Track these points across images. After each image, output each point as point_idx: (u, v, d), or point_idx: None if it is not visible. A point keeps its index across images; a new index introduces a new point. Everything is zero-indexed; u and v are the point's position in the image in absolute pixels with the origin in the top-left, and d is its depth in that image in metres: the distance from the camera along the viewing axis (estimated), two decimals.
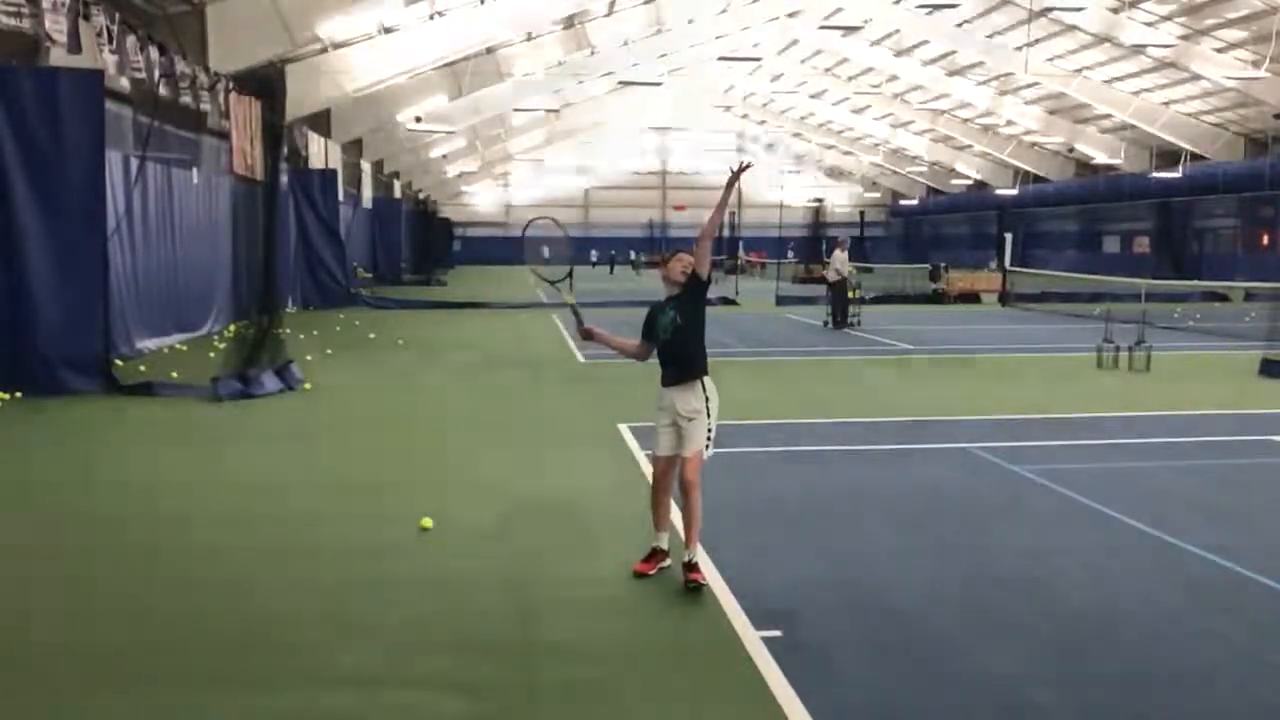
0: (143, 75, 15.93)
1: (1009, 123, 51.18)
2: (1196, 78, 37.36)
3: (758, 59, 45.28)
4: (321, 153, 29.95)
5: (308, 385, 12.97)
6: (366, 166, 39.27)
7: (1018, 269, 34.90)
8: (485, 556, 6.35)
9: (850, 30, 40.59)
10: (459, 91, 33.96)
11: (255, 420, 10.95)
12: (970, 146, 58.29)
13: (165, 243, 17.55)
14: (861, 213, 70.82)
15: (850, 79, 52.28)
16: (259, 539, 6.73)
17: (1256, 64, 32.19)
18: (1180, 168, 42.45)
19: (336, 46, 26.13)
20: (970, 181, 65.00)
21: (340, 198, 29.84)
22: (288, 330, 15.94)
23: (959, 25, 39.28)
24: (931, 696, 4.49)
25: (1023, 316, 27.21)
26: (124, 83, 15.96)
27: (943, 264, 37.69)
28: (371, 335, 20.16)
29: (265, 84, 15.83)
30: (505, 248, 68.45)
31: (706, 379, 5.91)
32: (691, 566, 5.71)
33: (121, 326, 14.89)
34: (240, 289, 16.04)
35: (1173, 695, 4.55)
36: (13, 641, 5.06)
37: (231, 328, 18.22)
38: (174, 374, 13.54)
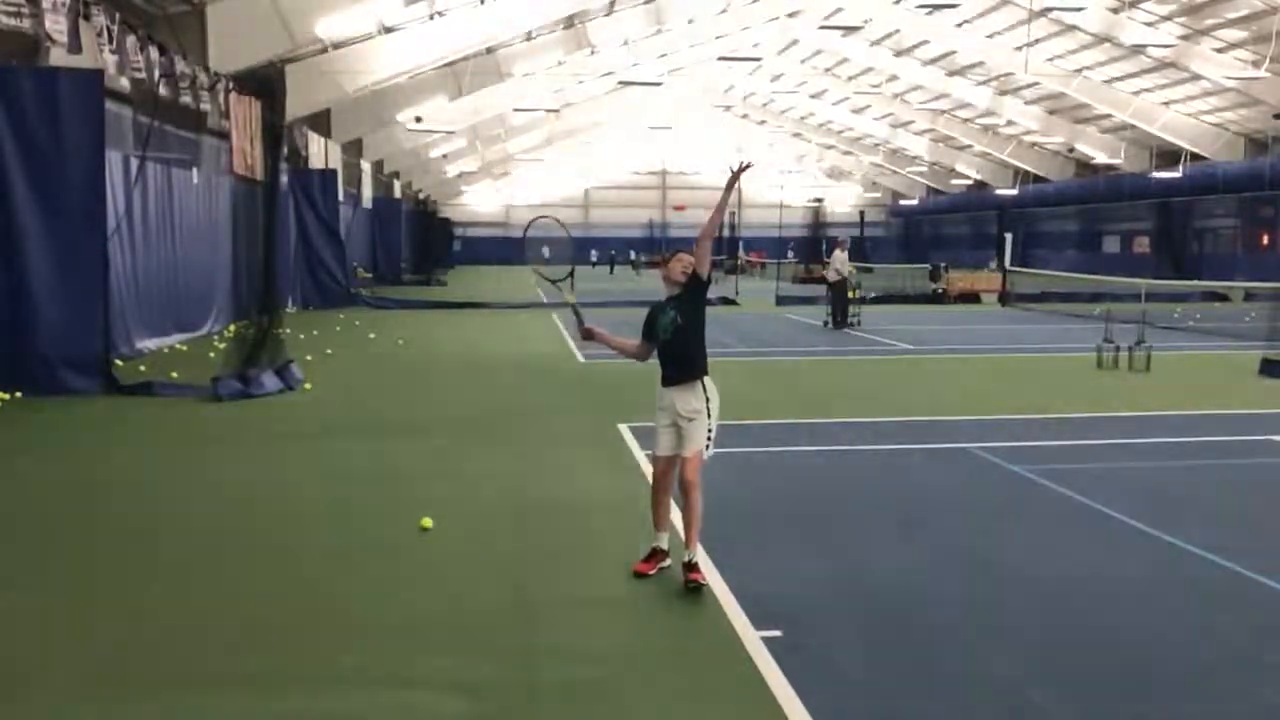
0: (143, 75, 15.92)
1: (1009, 123, 51.19)
2: (1196, 78, 37.36)
3: (758, 59, 45.27)
4: (321, 153, 29.95)
5: (308, 385, 12.97)
6: (366, 166, 39.28)
7: (1018, 269, 34.92)
8: (485, 556, 6.35)
9: (850, 30, 40.60)
10: (459, 91, 33.95)
11: (255, 420, 10.94)
12: (970, 146, 58.30)
13: (165, 243, 17.56)
14: (861, 213, 70.82)
15: (850, 79, 52.28)
16: (259, 539, 6.73)
17: (1256, 64, 32.19)
18: (1180, 168, 42.46)
19: (336, 46, 26.14)
20: (970, 181, 65.02)
21: (340, 198, 29.85)
22: (288, 330, 15.94)
23: (959, 25, 39.29)
24: (931, 697, 4.49)
25: (1023, 316, 27.21)
26: (124, 83, 15.96)
27: (943, 264, 37.71)
28: (371, 335, 20.16)
29: (265, 84, 15.80)
30: (505, 248, 68.52)
31: (707, 379, 5.91)
32: (691, 566, 5.71)
33: (121, 326, 14.89)
34: (240, 289, 16.02)
35: (1173, 695, 4.55)
36: (10, 643, 5.06)
37: (231, 328, 18.21)
38: (174, 374, 13.54)
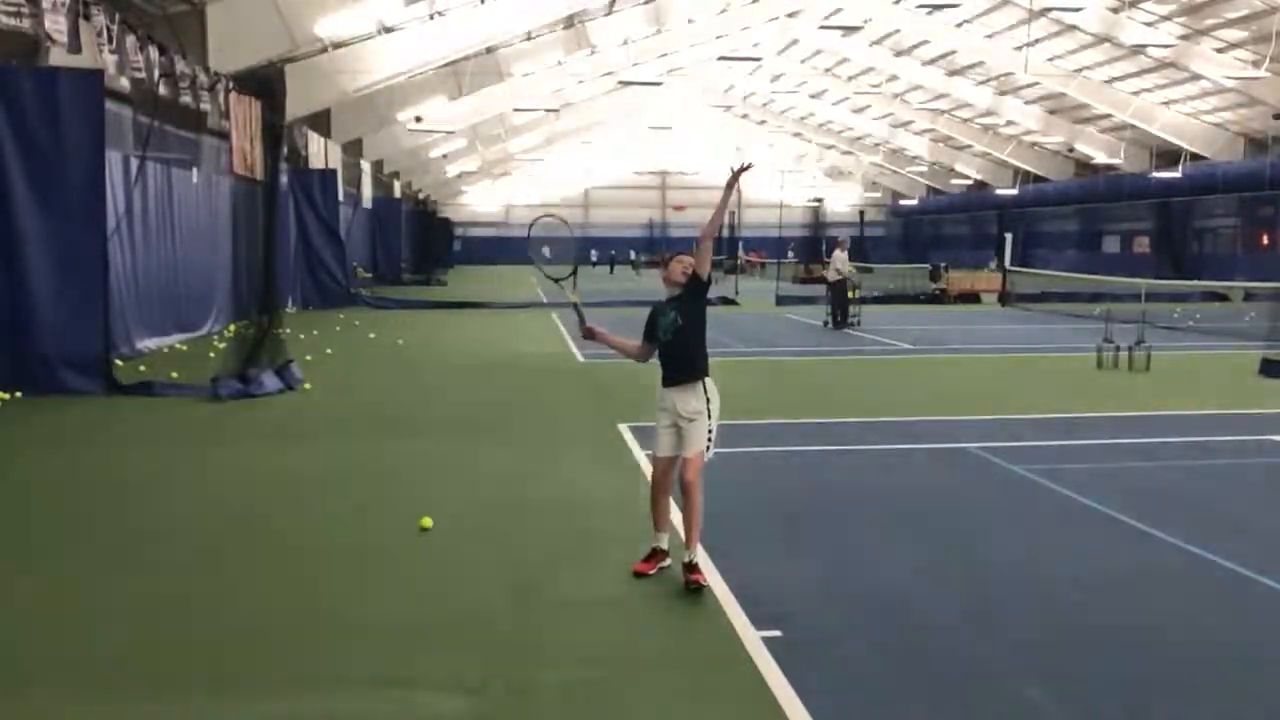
0: (143, 75, 15.92)
1: (1009, 123, 51.16)
2: (1196, 78, 37.34)
3: (758, 59, 45.23)
4: (321, 153, 29.94)
5: (307, 385, 12.97)
6: (366, 166, 39.26)
7: (1018, 269, 34.92)
8: (485, 556, 6.35)
9: (850, 30, 40.56)
10: (459, 91, 33.93)
11: (255, 420, 10.95)
12: (970, 146, 58.26)
13: (165, 243, 17.56)
14: (861, 213, 70.76)
15: (850, 79, 52.24)
16: (258, 539, 6.73)
17: (1256, 64, 32.17)
18: (1180, 168, 42.44)
19: (336, 46, 26.11)
20: (970, 181, 64.99)
21: (340, 198, 29.84)
22: (288, 330, 15.94)
23: (959, 25, 39.28)
24: (931, 696, 4.50)
25: (1023, 316, 27.21)
26: (124, 83, 15.95)
27: (943, 264, 37.71)
28: (371, 335, 20.16)
29: (265, 84, 15.82)
30: (505, 248, 68.50)
31: (708, 380, 5.91)
32: (692, 567, 5.71)
33: (121, 326, 14.89)
34: (240, 289, 16.03)
35: (1172, 695, 4.55)
36: (11, 643, 5.06)
37: (231, 328, 18.21)
38: (174, 374, 13.54)
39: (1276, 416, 11.34)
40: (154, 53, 16.22)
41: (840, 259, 23.24)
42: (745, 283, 39.43)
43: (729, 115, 67.40)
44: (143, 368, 14.30)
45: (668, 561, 5.95)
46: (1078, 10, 31.86)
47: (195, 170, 19.61)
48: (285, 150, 20.06)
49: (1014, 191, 56.54)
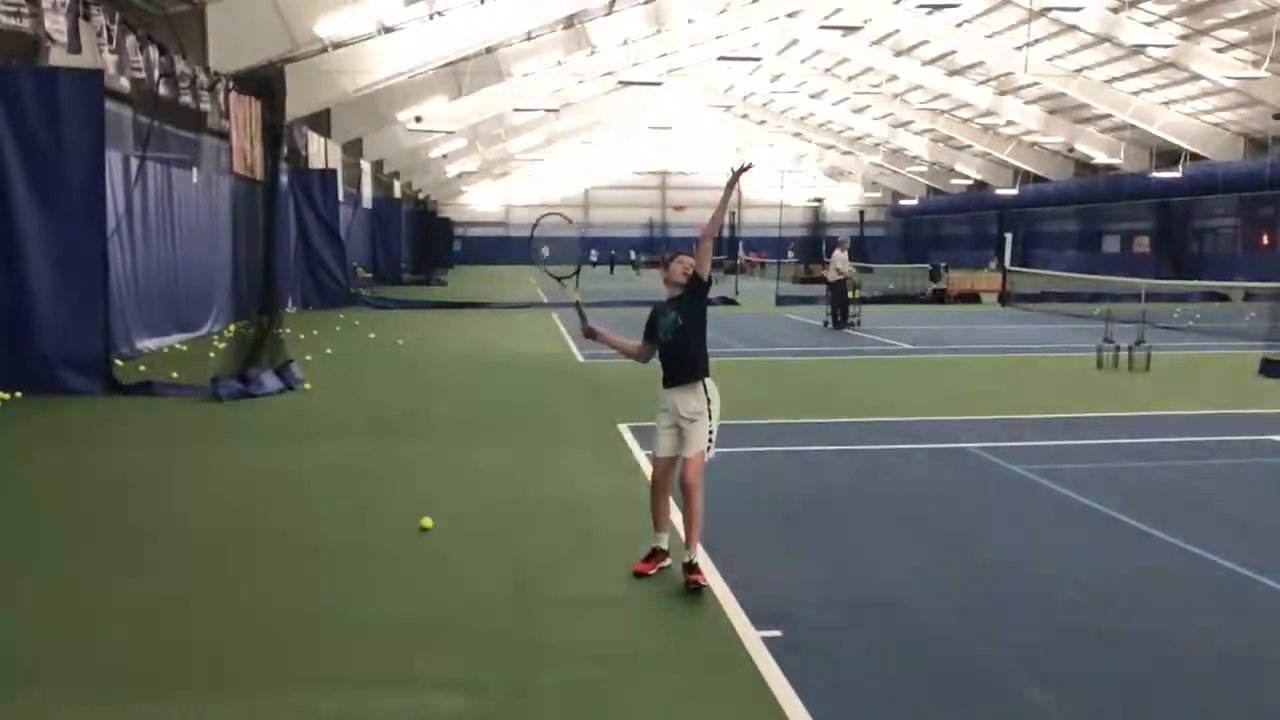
0: (143, 75, 15.92)
1: (1009, 123, 51.15)
2: (1196, 78, 37.33)
3: (758, 59, 45.22)
4: (321, 153, 29.94)
5: (307, 385, 12.97)
6: (366, 166, 39.26)
7: (1018, 269, 34.92)
8: (485, 556, 6.35)
9: (850, 30, 40.56)
10: (459, 91, 33.92)
11: (255, 420, 10.95)
12: (970, 146, 58.25)
13: (165, 243, 17.56)
14: (861, 213, 70.76)
15: (850, 79, 52.23)
16: (258, 539, 6.73)
17: (1256, 64, 32.16)
18: (1180, 168, 42.43)
19: (336, 46, 26.10)
20: (970, 181, 64.97)
21: (340, 198, 29.84)
22: (288, 330, 15.94)
23: (959, 25, 39.27)
24: (931, 697, 4.50)
25: (1023, 316, 27.21)
26: (124, 83, 15.95)
27: (943, 264, 37.68)
28: (371, 335, 20.16)
29: (265, 84, 15.82)
30: (505, 248, 68.54)
31: (708, 380, 5.91)
32: (692, 567, 5.71)
33: (121, 326, 14.89)
34: (240, 289, 16.04)
35: (1172, 695, 4.56)
36: (11, 643, 5.06)
37: (231, 328, 18.22)
38: (174, 374, 13.54)
39: (1276, 416, 11.34)
40: (154, 53, 16.22)
41: (840, 259, 23.24)
42: (745, 283, 39.43)
43: (729, 115, 67.39)
44: (143, 368, 14.30)
45: (668, 561, 5.95)
46: (1078, 10, 31.86)
47: (195, 170, 19.61)
48: (285, 150, 20.05)
49: (1014, 191, 56.54)
